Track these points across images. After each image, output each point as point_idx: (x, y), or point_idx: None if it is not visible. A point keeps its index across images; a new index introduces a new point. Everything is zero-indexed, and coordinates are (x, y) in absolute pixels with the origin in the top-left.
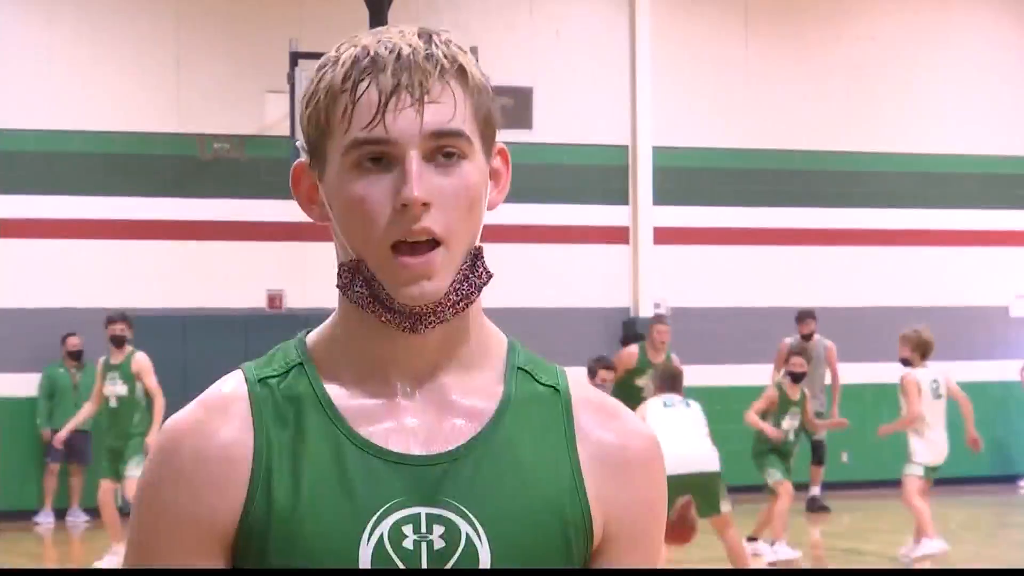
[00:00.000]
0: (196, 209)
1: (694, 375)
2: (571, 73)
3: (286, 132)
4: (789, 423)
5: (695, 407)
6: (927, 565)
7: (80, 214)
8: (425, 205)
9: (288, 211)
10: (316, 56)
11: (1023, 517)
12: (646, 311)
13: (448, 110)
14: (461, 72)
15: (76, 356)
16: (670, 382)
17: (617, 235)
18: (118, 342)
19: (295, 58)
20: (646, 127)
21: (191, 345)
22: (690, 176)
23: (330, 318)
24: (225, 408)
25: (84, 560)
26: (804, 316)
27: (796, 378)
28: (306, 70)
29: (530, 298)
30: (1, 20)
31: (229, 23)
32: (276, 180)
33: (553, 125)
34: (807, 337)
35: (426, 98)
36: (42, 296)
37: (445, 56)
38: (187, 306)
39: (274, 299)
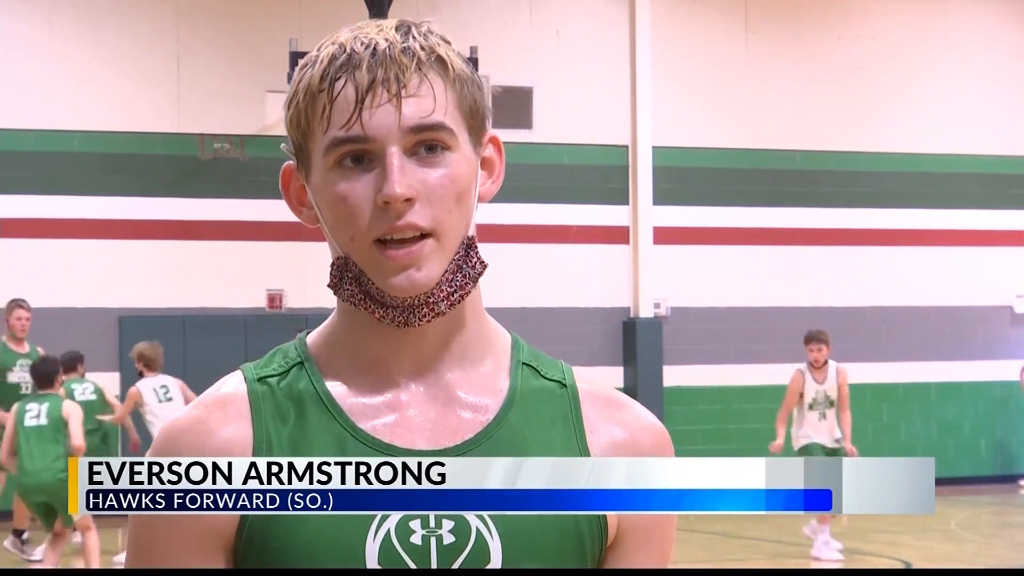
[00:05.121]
0: (196, 209)
1: (694, 375)
2: (571, 73)
3: (286, 132)
4: None
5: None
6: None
7: (80, 214)
8: (408, 201)
9: (288, 211)
10: None
11: (1023, 517)
12: (646, 311)
13: (428, 103)
14: (440, 63)
15: None
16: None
17: (617, 235)
18: None
19: (295, 58)
20: (646, 127)
21: (191, 345)
22: (690, 176)
23: (329, 317)
24: (224, 406)
25: None
26: None
27: None
28: None
29: (530, 298)
30: (1, 20)
31: (229, 23)
32: (276, 180)
33: (553, 125)
34: None
35: (404, 92)
36: (42, 296)
37: (423, 48)
38: (187, 306)
39: (274, 299)
